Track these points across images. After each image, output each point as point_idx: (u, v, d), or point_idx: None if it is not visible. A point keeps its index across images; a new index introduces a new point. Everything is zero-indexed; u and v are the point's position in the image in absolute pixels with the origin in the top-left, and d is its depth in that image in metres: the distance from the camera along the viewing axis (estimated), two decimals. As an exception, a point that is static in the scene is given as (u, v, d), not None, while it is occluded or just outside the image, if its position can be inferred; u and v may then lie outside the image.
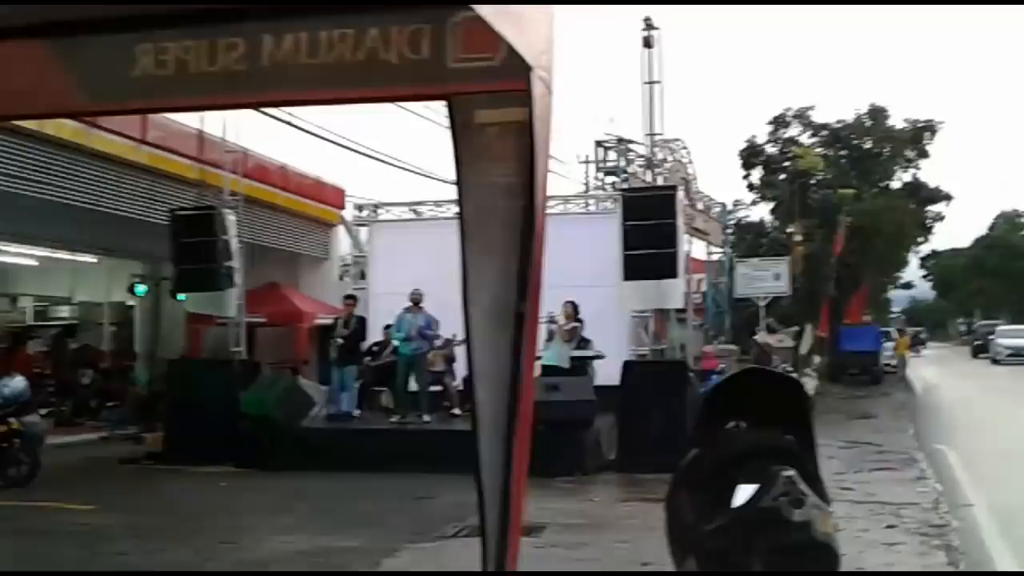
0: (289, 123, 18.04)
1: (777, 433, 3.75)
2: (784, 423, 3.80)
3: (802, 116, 36.95)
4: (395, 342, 14.64)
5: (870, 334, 33.19)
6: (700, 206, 26.11)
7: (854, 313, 36.30)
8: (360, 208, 19.94)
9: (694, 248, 27.58)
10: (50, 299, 21.71)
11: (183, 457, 13.33)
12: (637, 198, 13.57)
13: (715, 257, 33.01)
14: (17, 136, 13.67)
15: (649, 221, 12.69)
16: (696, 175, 24.86)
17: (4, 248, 19.06)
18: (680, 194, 15.02)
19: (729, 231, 34.03)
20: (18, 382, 11.56)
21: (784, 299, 30.79)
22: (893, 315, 61.84)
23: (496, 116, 3.38)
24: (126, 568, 7.42)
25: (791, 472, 3.33)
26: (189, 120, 16.33)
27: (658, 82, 15.03)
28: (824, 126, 36.83)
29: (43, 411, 16.08)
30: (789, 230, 32.15)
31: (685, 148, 24.20)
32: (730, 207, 35.56)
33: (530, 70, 2.83)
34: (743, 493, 3.35)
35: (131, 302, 21.28)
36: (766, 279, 29.33)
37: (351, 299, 15.56)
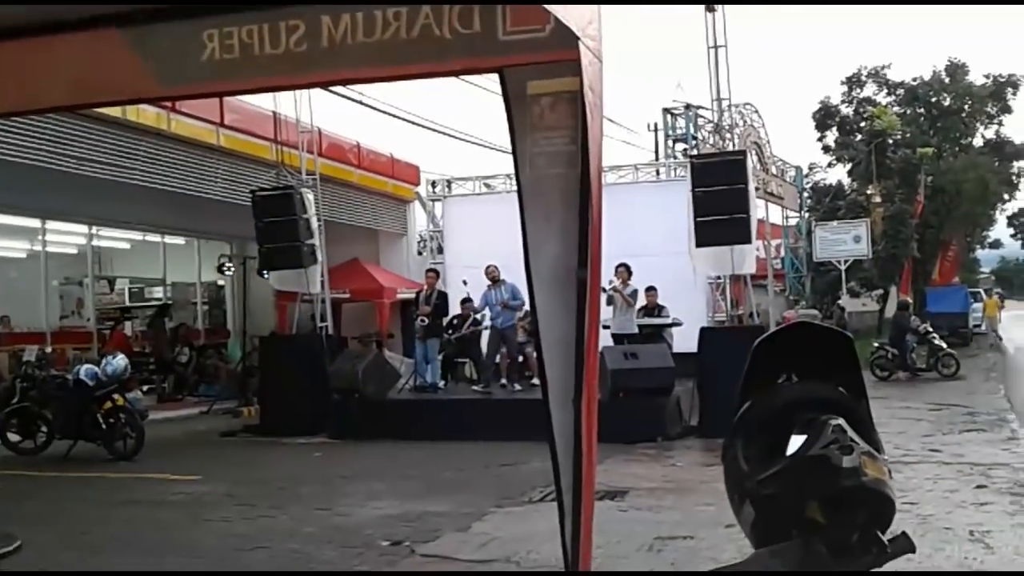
0: (360, 102, 18.26)
1: (827, 384, 3.81)
2: (834, 375, 3.86)
3: (877, 75, 35.97)
4: (487, 320, 14.77)
5: (958, 295, 32.22)
6: (773, 170, 25.63)
7: (946, 274, 35.33)
8: (434, 184, 20.17)
9: (770, 213, 27.20)
10: (144, 280, 22.43)
11: (278, 429, 13.81)
12: (706, 164, 13.34)
13: (792, 221, 32.45)
14: (100, 123, 14.15)
15: (720, 187, 12.52)
16: (769, 139, 24.36)
17: (100, 232, 19.83)
18: (752, 158, 14.76)
19: (805, 194, 33.44)
20: (119, 360, 11.98)
21: (865, 262, 30.17)
22: (982, 275, 59.88)
23: (548, 86, 3.47)
24: (231, 534, 7.69)
25: (839, 421, 3.40)
26: (263, 102, 16.64)
27: (723, 46, 14.67)
28: (900, 84, 35.81)
29: (145, 388, 16.78)
30: (868, 192, 31.37)
31: (756, 112, 23.75)
32: (805, 170, 34.92)
33: (578, 39, 2.91)
34: (794, 443, 3.43)
35: (221, 281, 21.99)
36: (846, 242, 28.81)
37: (433, 272, 15.68)
